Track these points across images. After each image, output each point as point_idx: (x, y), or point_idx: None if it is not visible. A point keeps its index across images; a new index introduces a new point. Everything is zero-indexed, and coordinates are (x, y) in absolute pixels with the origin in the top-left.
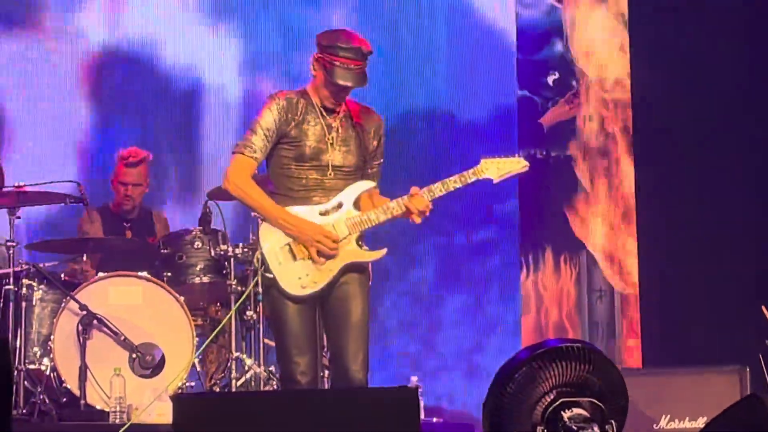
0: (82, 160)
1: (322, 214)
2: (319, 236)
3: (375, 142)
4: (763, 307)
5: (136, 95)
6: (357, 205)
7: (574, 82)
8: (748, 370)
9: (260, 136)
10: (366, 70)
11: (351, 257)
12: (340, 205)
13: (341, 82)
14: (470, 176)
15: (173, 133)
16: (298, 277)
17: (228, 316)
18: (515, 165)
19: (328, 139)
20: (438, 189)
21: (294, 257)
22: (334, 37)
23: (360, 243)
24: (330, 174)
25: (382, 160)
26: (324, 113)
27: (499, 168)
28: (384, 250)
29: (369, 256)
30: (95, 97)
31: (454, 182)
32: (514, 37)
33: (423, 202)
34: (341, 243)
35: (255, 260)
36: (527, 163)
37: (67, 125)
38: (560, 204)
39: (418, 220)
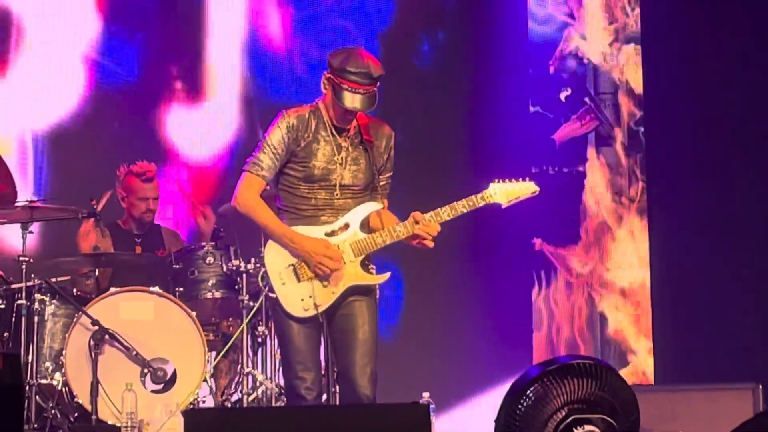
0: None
1: (328, 234)
2: (320, 257)
3: (385, 156)
4: None
5: None
6: (364, 226)
7: (586, 98)
8: (760, 387)
9: (268, 155)
10: (375, 92)
11: (354, 279)
12: (346, 226)
13: (348, 106)
14: (478, 201)
15: None
16: (300, 299)
17: (239, 331)
18: (525, 190)
19: (338, 159)
20: (446, 213)
21: (298, 278)
22: (344, 59)
23: (367, 263)
24: (339, 194)
25: (391, 173)
26: (335, 132)
27: (509, 193)
28: (388, 274)
29: (373, 279)
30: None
31: (462, 207)
32: (527, 53)
33: (435, 228)
34: (346, 265)
35: (259, 279)
36: (537, 188)
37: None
38: (572, 220)
39: (431, 244)
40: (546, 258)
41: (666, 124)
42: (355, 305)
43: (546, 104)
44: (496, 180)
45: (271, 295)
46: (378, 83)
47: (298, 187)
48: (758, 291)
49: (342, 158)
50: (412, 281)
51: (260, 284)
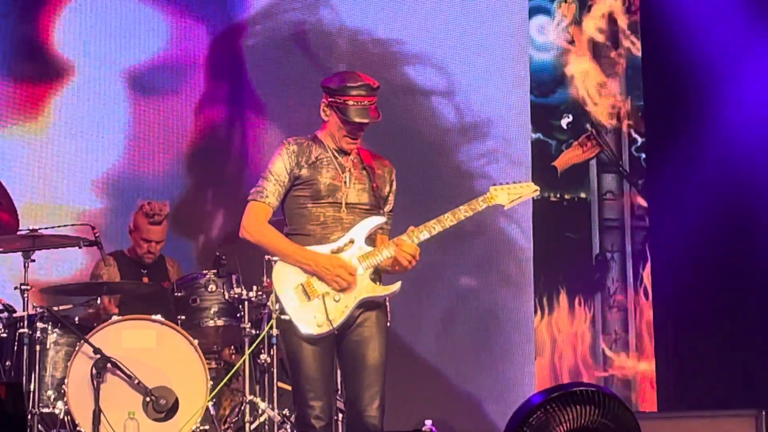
0: None
1: (334, 252)
2: (337, 269)
3: (387, 188)
4: None
5: None
6: (370, 241)
7: (587, 125)
8: (764, 413)
9: (271, 182)
10: (376, 103)
11: (366, 292)
12: (352, 242)
13: (357, 120)
14: (480, 204)
15: None
16: (313, 316)
17: (241, 361)
18: (526, 190)
19: (343, 177)
20: (448, 219)
21: (308, 297)
22: (341, 79)
23: (376, 276)
24: (345, 211)
25: (391, 207)
26: (336, 154)
27: (510, 194)
28: (398, 284)
29: (383, 290)
30: None
31: (464, 211)
32: (528, 80)
33: (411, 248)
34: (355, 279)
35: (270, 303)
36: (538, 188)
37: None
38: (575, 246)
39: (407, 264)
40: (549, 284)
41: (667, 153)
42: (366, 330)
43: (547, 131)
44: (497, 184)
45: (283, 318)
46: (377, 96)
47: (306, 206)
48: (761, 318)
49: (346, 177)
50: (413, 307)
51: (271, 308)
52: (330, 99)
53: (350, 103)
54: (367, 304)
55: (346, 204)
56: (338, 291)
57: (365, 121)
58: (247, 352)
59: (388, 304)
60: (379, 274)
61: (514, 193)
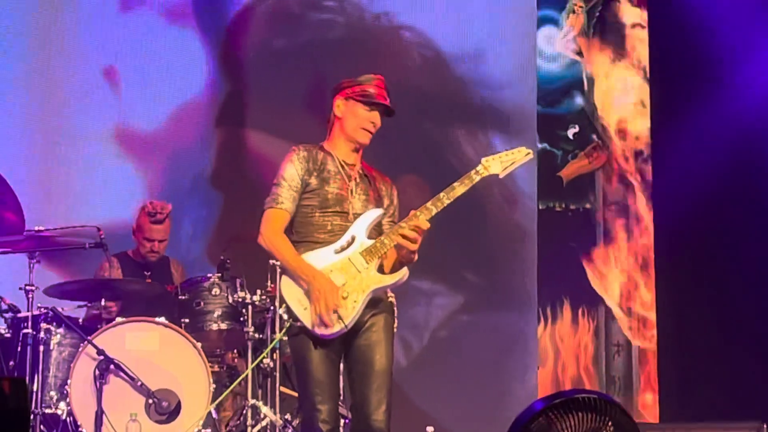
0: None
1: (337, 252)
2: (323, 295)
3: (387, 200)
4: None
5: None
6: (371, 231)
7: (594, 136)
8: (765, 426)
9: (285, 187)
10: None
11: (373, 284)
12: (353, 239)
13: (380, 101)
14: (474, 176)
15: None
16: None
17: (250, 368)
18: (518, 155)
19: (349, 186)
20: (445, 197)
21: None
22: (353, 78)
23: (380, 270)
24: (352, 220)
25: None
26: (343, 164)
27: (503, 161)
28: (404, 269)
29: (390, 279)
30: None
31: (461, 186)
32: (535, 90)
33: (413, 223)
34: (361, 273)
35: (282, 312)
36: (530, 151)
37: None
38: (579, 257)
39: (412, 246)
40: (552, 293)
41: (674, 166)
42: (373, 335)
43: (553, 141)
44: (488, 155)
45: (297, 324)
46: None
47: (314, 215)
48: (765, 329)
49: (352, 186)
50: (415, 314)
51: (283, 316)
52: (348, 92)
53: (370, 90)
54: (375, 306)
55: (354, 214)
56: (321, 310)
57: (387, 102)
58: (258, 359)
59: (396, 309)
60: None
61: (507, 160)
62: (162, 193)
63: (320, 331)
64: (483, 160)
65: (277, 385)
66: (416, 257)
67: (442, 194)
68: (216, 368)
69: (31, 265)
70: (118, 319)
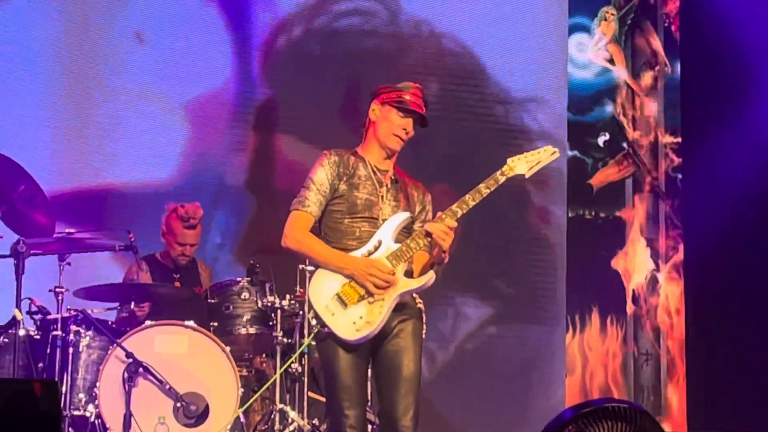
0: None
1: (365, 255)
2: (371, 269)
3: (419, 206)
4: None
5: None
6: (398, 235)
7: (624, 144)
8: None
9: (313, 191)
10: None
11: (401, 288)
12: (380, 243)
13: (415, 108)
14: (499, 177)
15: None
16: (352, 322)
17: (278, 373)
18: (544, 154)
19: (380, 192)
20: (470, 199)
21: (345, 305)
22: (391, 85)
23: (407, 274)
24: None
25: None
26: (375, 170)
27: (528, 161)
28: (431, 273)
29: (417, 282)
30: None
31: (486, 188)
32: (566, 98)
33: (443, 224)
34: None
35: (310, 318)
36: (556, 150)
37: None
38: (608, 264)
39: (444, 244)
40: (581, 301)
41: (704, 173)
42: (402, 341)
43: (583, 149)
44: (513, 155)
45: (325, 331)
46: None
47: (342, 221)
48: None
49: (383, 192)
50: (444, 323)
51: (311, 321)
52: (384, 97)
53: (406, 97)
54: (404, 312)
55: (383, 220)
56: (377, 290)
57: (422, 111)
58: (287, 363)
59: (424, 315)
60: (412, 271)
61: (532, 160)
62: (192, 194)
63: (347, 337)
64: (508, 160)
65: (305, 389)
66: (447, 258)
67: (467, 196)
68: (244, 372)
69: (61, 267)
70: (147, 322)
